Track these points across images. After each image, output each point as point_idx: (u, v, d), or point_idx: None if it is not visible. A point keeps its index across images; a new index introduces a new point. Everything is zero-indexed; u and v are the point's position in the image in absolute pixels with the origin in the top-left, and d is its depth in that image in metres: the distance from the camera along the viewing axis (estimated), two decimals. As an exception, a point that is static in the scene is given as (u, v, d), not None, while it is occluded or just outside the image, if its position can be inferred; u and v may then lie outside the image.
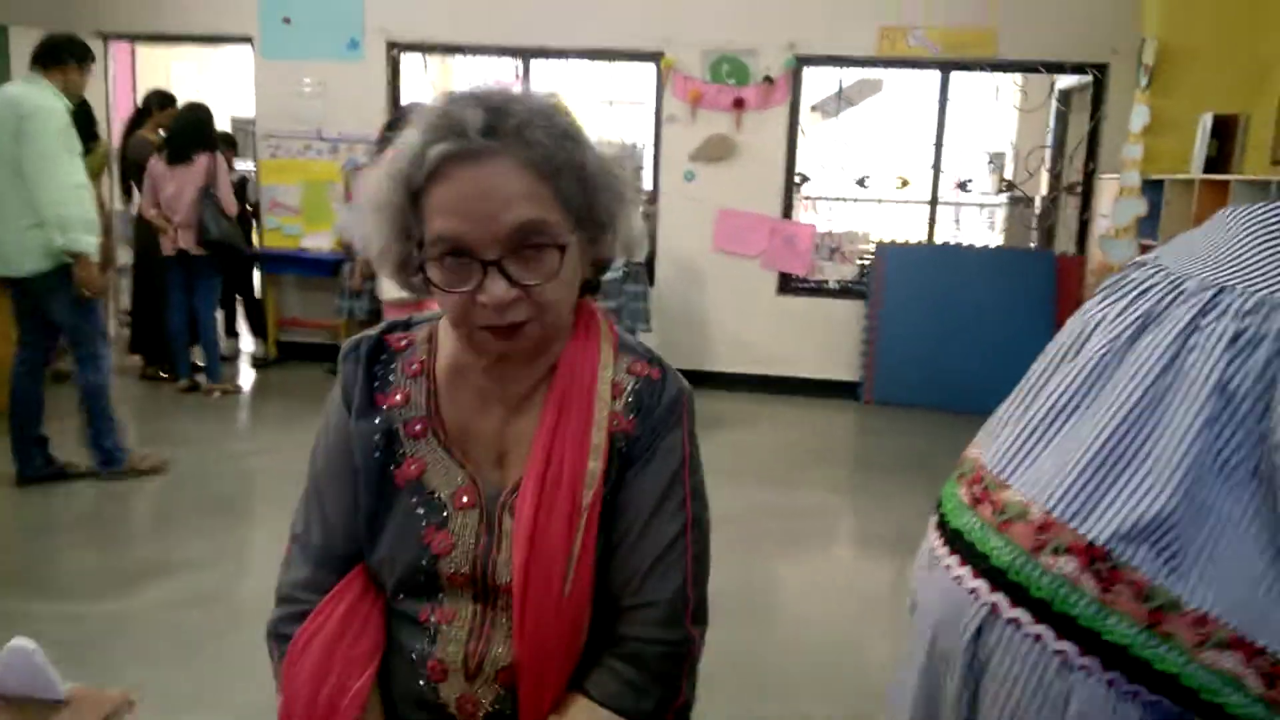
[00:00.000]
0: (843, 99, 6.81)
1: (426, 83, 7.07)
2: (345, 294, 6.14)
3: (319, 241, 6.72)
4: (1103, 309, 1.18)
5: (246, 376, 6.60)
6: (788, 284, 6.52)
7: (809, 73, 6.48)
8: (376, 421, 1.13)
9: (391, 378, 1.16)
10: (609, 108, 6.92)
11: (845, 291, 6.49)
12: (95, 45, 6.86)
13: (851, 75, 6.86)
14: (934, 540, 1.25)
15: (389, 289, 5.54)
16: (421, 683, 1.09)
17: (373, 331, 1.19)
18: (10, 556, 3.52)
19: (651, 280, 6.47)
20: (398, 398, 1.14)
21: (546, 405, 1.10)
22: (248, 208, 6.85)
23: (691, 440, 1.15)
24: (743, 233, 6.43)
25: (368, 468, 1.12)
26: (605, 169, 1.07)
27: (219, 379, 5.96)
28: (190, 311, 5.82)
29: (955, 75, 6.28)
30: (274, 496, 4.25)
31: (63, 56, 4.14)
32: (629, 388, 1.13)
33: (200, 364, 6.04)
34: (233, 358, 6.96)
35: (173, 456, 4.75)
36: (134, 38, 7.29)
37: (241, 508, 4.26)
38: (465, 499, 1.11)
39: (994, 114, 7.58)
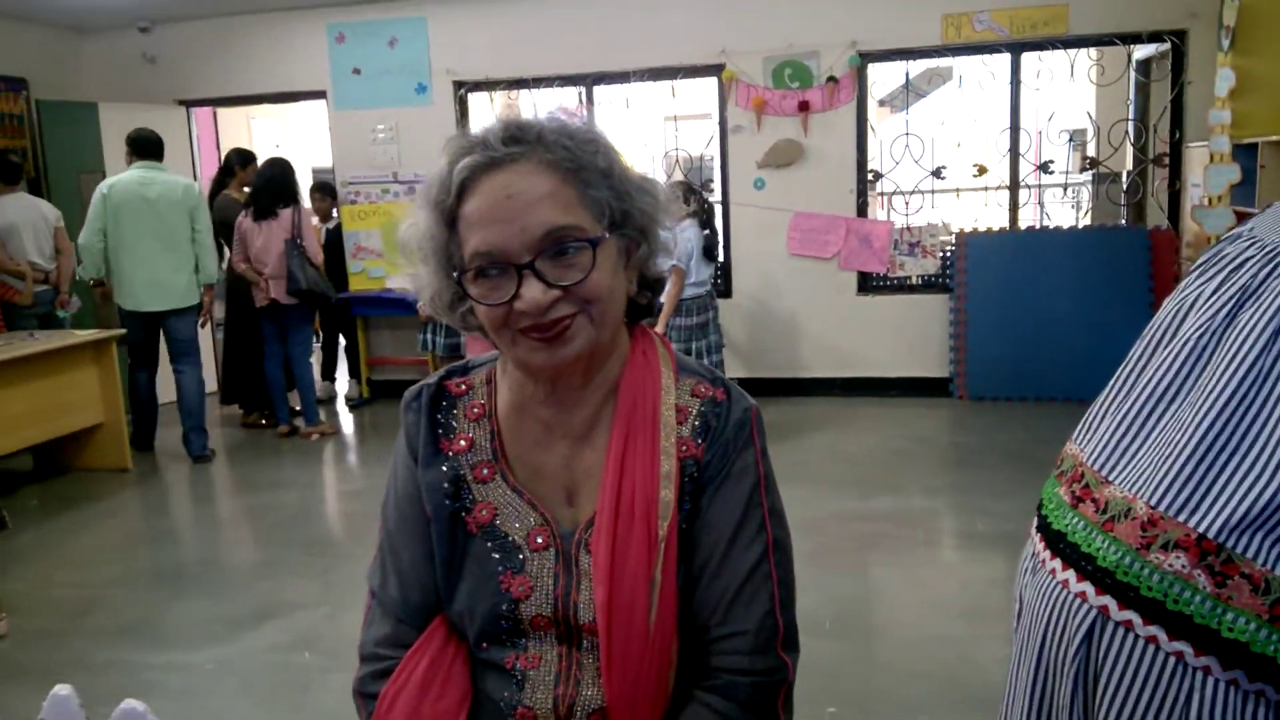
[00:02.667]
0: (911, 91, 6.68)
1: (493, 118, 7.19)
2: (423, 328, 6.26)
3: (401, 282, 6.87)
4: (1198, 287, 1.12)
5: (343, 417, 6.77)
6: (868, 283, 6.42)
7: (874, 69, 6.39)
8: (444, 469, 1.13)
9: (455, 424, 1.15)
10: (674, 124, 6.92)
11: (928, 286, 6.35)
12: (177, 113, 7.21)
13: (918, 66, 6.74)
14: (1036, 543, 1.20)
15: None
16: None
17: (432, 379, 1.19)
18: (122, 609, 3.66)
19: (729, 292, 6.43)
20: (462, 443, 1.14)
21: (612, 435, 1.08)
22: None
23: (764, 459, 1.12)
24: (817, 235, 6.35)
25: (439, 517, 1.12)
26: (639, 175, 1.07)
27: (316, 421, 6.13)
28: (285, 359, 6.00)
29: (1026, 56, 6.12)
30: (372, 535, 4.33)
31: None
32: (695, 411, 1.10)
33: (297, 408, 6.22)
34: (328, 400, 7.16)
35: (274, 500, 4.89)
36: (214, 103, 7.58)
37: (342, 548, 4.36)
38: (540, 540, 1.09)
39: (1071, 91, 7.35)
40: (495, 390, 1.16)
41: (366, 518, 4.65)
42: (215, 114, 8.19)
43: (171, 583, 3.91)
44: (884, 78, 6.92)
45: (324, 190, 7.24)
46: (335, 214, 7.21)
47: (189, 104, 7.37)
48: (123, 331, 5.62)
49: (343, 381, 7.64)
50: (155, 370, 5.80)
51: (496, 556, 1.09)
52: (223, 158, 6.70)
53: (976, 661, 3.01)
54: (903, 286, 6.40)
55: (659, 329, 5.02)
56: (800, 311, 6.45)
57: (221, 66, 7.16)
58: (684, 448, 1.08)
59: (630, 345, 1.14)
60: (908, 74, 6.49)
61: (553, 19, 6.54)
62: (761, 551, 1.08)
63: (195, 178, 7.35)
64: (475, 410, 1.15)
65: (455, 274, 1.04)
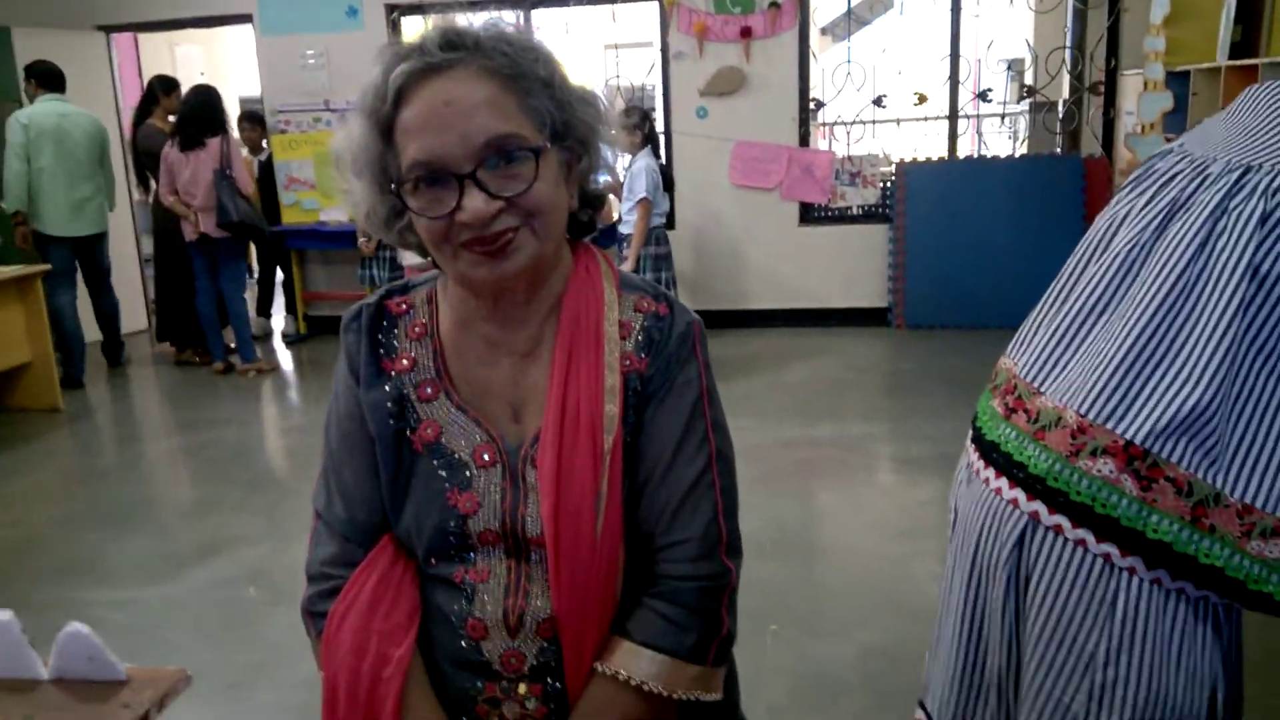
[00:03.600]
0: (853, 19, 6.64)
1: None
2: (364, 263, 6.16)
3: (337, 214, 6.72)
4: (1129, 202, 1.14)
5: (280, 353, 6.66)
6: (809, 214, 6.44)
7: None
8: (387, 389, 1.12)
9: (396, 343, 1.14)
10: (615, 52, 6.80)
11: (869, 216, 6.40)
12: (97, 39, 6.89)
13: (859, -6, 6.69)
14: (971, 454, 1.23)
15: (409, 255, 5.55)
16: (463, 643, 1.08)
17: (371, 299, 1.17)
18: (64, 547, 3.61)
19: (672, 223, 6.41)
20: (404, 362, 1.13)
21: (556, 351, 1.08)
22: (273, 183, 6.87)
23: (708, 372, 1.13)
24: (760, 165, 6.34)
25: (383, 436, 1.11)
26: (579, 87, 1.05)
27: (253, 358, 6.02)
28: (218, 294, 5.87)
29: (967, -18, 6.10)
30: (314, 470, 4.30)
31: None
32: (638, 326, 1.11)
33: (232, 345, 6.10)
34: (264, 337, 7.03)
35: (213, 438, 4.82)
36: (135, 28, 7.25)
37: (284, 483, 4.32)
38: (486, 456, 1.09)
39: (1010, 19, 7.37)
40: (436, 309, 1.15)
41: (308, 453, 4.61)
42: (136, 40, 7.84)
43: (112, 521, 3.85)
44: (826, 4, 6.85)
45: (253, 120, 6.98)
46: (265, 144, 7.00)
47: (109, 29, 7.03)
48: (47, 267, 5.45)
49: (279, 317, 7.49)
50: (75, 297, 5.93)
51: (443, 474, 1.09)
52: (145, 86, 6.42)
53: (914, 577, 3.11)
54: (843, 217, 6.43)
55: (630, 264, 5.00)
56: (743, 242, 6.46)
57: (141, -11, 6.85)
58: (627, 362, 1.09)
59: (573, 261, 1.13)
60: (850, 2, 6.44)
61: (488, -60, 6.35)
62: (705, 462, 1.09)
63: (117, 106, 7.07)
64: (417, 329, 1.14)
65: (393, 186, 1.01)
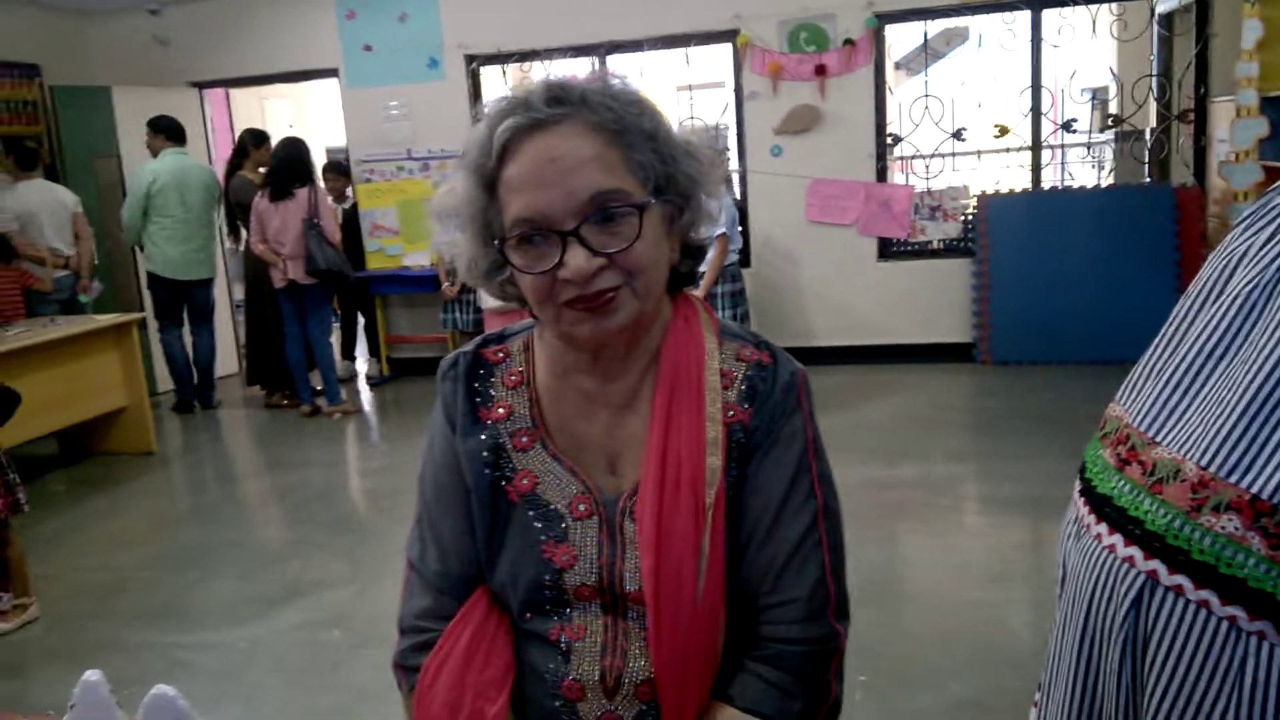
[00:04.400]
0: (929, 52, 6.58)
1: (506, 91, 7.14)
2: (446, 306, 6.26)
3: (419, 259, 6.87)
4: (1246, 240, 1.08)
5: (364, 395, 6.79)
6: (888, 249, 6.35)
7: (891, 30, 6.29)
8: (483, 438, 1.10)
9: (492, 392, 1.13)
10: (689, 93, 6.85)
11: (950, 250, 6.28)
12: (190, 95, 7.19)
13: (935, 27, 6.62)
14: (1080, 507, 1.16)
15: (488, 298, 5.63)
16: (558, 703, 1.05)
17: (468, 347, 1.16)
18: (152, 590, 3.70)
19: (747, 261, 6.38)
20: (501, 411, 1.11)
21: (655, 402, 1.05)
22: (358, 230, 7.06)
23: (812, 423, 1.10)
24: (836, 201, 6.28)
25: (479, 486, 1.09)
26: (683, 138, 1.04)
27: (338, 401, 6.15)
28: (305, 339, 6.02)
29: (1047, 13, 6.00)
30: (397, 511, 4.36)
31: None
32: (740, 375, 1.08)
33: (319, 388, 6.24)
34: (349, 379, 7.18)
35: (299, 480, 4.92)
36: (226, 83, 7.56)
37: (369, 525, 4.38)
38: (582, 508, 1.07)
39: (1093, 48, 7.20)
40: (533, 357, 1.14)
41: (391, 495, 4.67)
42: (228, 95, 8.18)
43: (200, 563, 3.94)
44: (901, 39, 6.80)
45: (337, 170, 7.21)
46: (349, 193, 7.19)
47: (201, 85, 7.35)
48: (142, 315, 5.67)
49: (362, 360, 7.65)
50: (182, 333, 6.42)
51: (539, 525, 1.07)
52: (237, 139, 6.67)
53: (1007, 625, 2.99)
54: (924, 251, 6.33)
55: (700, 294, 4.99)
56: (820, 279, 6.39)
57: (233, 47, 7.13)
58: (730, 413, 1.06)
59: (672, 312, 1.11)
60: (925, 34, 6.38)
61: (564, -11, 6.46)
62: (811, 518, 1.06)
63: (210, 159, 7.36)
64: (513, 378, 1.13)
65: (496, 241, 1.01)
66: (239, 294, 7.52)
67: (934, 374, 6.06)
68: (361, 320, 7.47)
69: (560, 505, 1.07)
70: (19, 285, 5.58)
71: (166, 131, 6.18)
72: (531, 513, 1.08)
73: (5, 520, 3.39)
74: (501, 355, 1.15)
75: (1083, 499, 1.16)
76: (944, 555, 3.61)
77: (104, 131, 6.72)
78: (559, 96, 0.98)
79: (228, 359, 7.39)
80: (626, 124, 0.99)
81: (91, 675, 1.23)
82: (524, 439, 1.10)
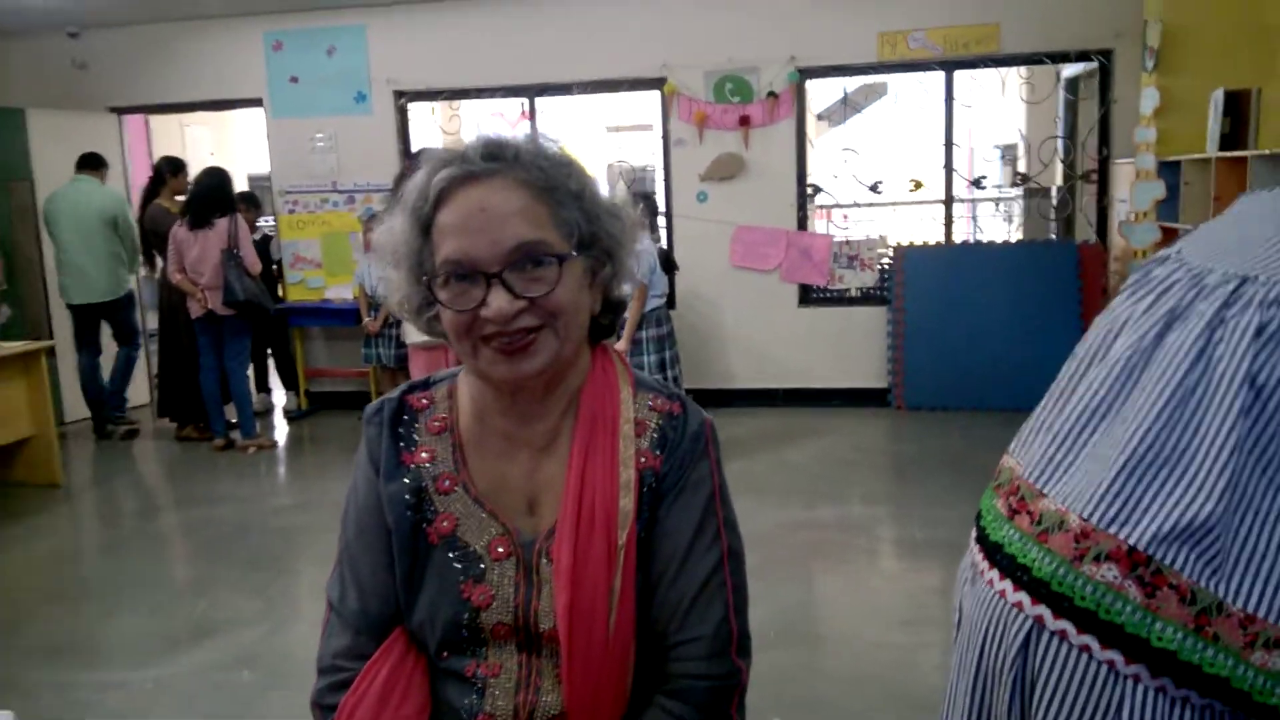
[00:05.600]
0: (848, 105, 6.81)
1: (434, 128, 7.16)
2: (368, 341, 6.20)
3: (342, 292, 6.80)
4: (1128, 307, 1.17)
5: (280, 430, 6.66)
6: (808, 295, 6.51)
7: (812, 84, 6.50)
8: (405, 481, 1.14)
9: (416, 437, 1.17)
10: (615, 135, 6.97)
11: (867, 298, 6.47)
12: (109, 120, 7.04)
13: (855, 82, 6.87)
14: (975, 554, 1.23)
15: (413, 333, 5.59)
16: None
17: (393, 394, 1.21)
18: (55, 627, 3.56)
19: (673, 303, 6.47)
20: (424, 455, 1.15)
21: (573, 447, 1.11)
22: (273, 265, 6.95)
23: (719, 470, 1.16)
24: (759, 248, 6.43)
25: (400, 528, 1.13)
26: (608, 200, 1.12)
27: (253, 435, 6.02)
28: (221, 370, 5.89)
29: (959, 74, 6.27)
30: (313, 550, 4.29)
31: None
32: (653, 424, 1.14)
33: (234, 421, 6.10)
34: (265, 412, 7.03)
35: (211, 515, 4.80)
36: (147, 110, 7.42)
37: (282, 563, 4.28)
38: (501, 549, 1.11)
39: (1003, 108, 7.54)
40: (457, 403, 1.18)
41: (307, 532, 4.59)
42: (147, 121, 8.02)
43: (105, 600, 3.81)
44: (823, 92, 7.03)
45: (248, 200, 7.06)
46: (263, 224, 7.09)
47: (121, 111, 7.20)
48: (51, 343, 5.52)
49: (278, 393, 7.51)
50: (98, 355, 6.39)
51: (458, 566, 1.11)
52: (153, 166, 6.54)
53: (919, 668, 3.07)
54: (842, 299, 6.50)
55: (623, 344, 5.06)
56: (743, 323, 6.51)
57: (155, 73, 7.01)
58: (643, 459, 1.12)
59: (591, 361, 1.17)
60: (845, 90, 6.61)
61: (495, 30, 6.53)
62: (717, 560, 1.11)
63: (126, 186, 7.19)
64: (437, 424, 1.17)
65: (425, 279, 1.07)
66: (152, 323, 7.33)
67: (851, 418, 6.21)
68: (269, 352, 7.31)
69: (479, 546, 1.11)
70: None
71: (81, 159, 6.26)
72: (451, 554, 1.11)
73: None
74: (426, 401, 1.19)
75: (977, 545, 1.23)
76: (859, 597, 3.69)
77: (18, 154, 6.52)
78: (495, 153, 1.06)
79: (139, 390, 7.17)
80: (555, 182, 1.06)
81: (3, 714, 1.21)
82: (446, 482, 1.14)
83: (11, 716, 1.25)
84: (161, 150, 7.59)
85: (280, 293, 7.02)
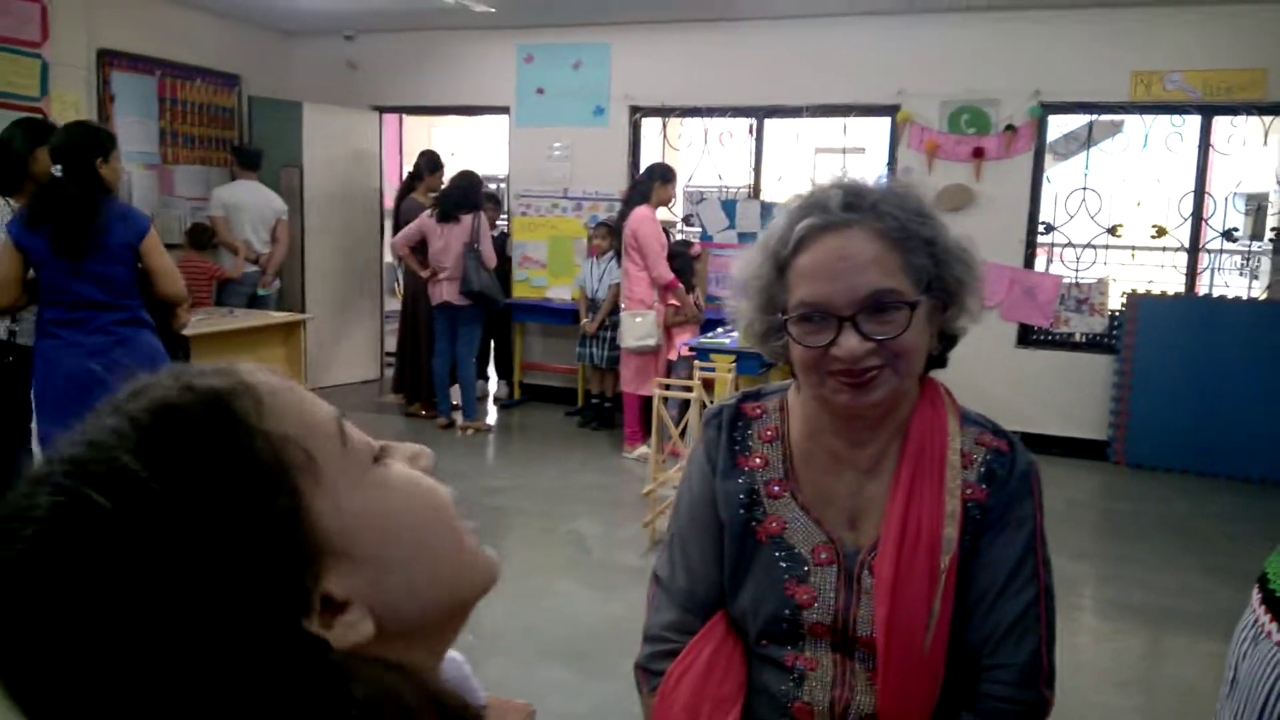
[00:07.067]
0: (1074, 140, 6.55)
1: (661, 143, 7.40)
2: (583, 340, 6.48)
3: (561, 293, 7.14)
4: None
5: (491, 415, 7.07)
6: (1028, 336, 6.31)
7: (1052, 119, 6.30)
8: (740, 481, 1.24)
9: (750, 443, 1.27)
10: (835, 156, 6.98)
11: (1093, 345, 6.20)
12: (371, 118, 7.68)
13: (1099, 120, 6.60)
14: (1260, 614, 1.23)
15: (628, 337, 5.82)
16: None
17: (730, 401, 1.31)
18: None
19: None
20: (757, 460, 1.25)
21: (900, 471, 1.18)
22: (506, 261, 7.41)
23: (1041, 512, 1.20)
24: (981, 284, 6.27)
25: (733, 523, 1.23)
26: (958, 244, 1.18)
27: (474, 418, 6.44)
28: (453, 356, 6.33)
29: (1218, 120, 5.93)
30: (522, 532, 4.55)
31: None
32: (979, 459, 1.20)
33: (456, 403, 6.54)
34: (482, 398, 7.47)
35: (436, 490, 5.16)
36: (406, 110, 8.04)
37: (492, 540, 4.51)
38: (824, 556, 1.19)
39: (1257, 156, 7.05)
40: (787, 416, 1.27)
41: (518, 514, 4.87)
42: (401, 120, 8.67)
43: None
44: (1054, 126, 6.80)
45: (493, 201, 7.56)
46: (500, 223, 7.54)
47: (382, 110, 7.84)
48: (312, 316, 6.13)
49: (493, 382, 7.95)
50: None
51: (784, 565, 1.20)
52: (412, 164, 7.09)
53: (1128, 731, 2.96)
54: (1065, 343, 6.26)
55: None
56: (957, 359, 6.33)
57: (416, 77, 7.59)
58: (968, 490, 1.18)
59: (920, 391, 1.24)
60: (1091, 128, 6.35)
61: (731, 50, 6.69)
62: (1034, 595, 1.16)
63: (380, 179, 7.83)
64: (769, 432, 1.27)
65: (779, 314, 1.16)
66: (389, 305, 7.95)
67: (1066, 468, 5.96)
68: (491, 342, 7.76)
69: (804, 550, 1.20)
70: (210, 275, 6.09)
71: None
72: (778, 553, 1.21)
73: None
74: (759, 411, 1.29)
75: (1263, 607, 1.23)
76: (1064, 654, 3.57)
77: (293, 143, 7.23)
78: (853, 203, 1.13)
79: (372, 365, 7.79)
80: (909, 231, 1.13)
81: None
82: (776, 488, 1.23)
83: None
84: (411, 148, 8.21)
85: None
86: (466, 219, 6.06)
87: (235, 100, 7.50)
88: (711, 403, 4.51)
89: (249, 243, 6.46)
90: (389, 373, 7.47)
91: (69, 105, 5.84)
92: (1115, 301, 6.19)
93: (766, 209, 6.57)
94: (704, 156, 7.08)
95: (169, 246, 4.04)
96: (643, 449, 5.68)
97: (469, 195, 6.11)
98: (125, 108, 6.56)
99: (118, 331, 3.35)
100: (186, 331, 4.92)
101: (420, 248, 6.23)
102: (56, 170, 3.31)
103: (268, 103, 7.40)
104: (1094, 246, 6.24)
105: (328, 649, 0.48)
